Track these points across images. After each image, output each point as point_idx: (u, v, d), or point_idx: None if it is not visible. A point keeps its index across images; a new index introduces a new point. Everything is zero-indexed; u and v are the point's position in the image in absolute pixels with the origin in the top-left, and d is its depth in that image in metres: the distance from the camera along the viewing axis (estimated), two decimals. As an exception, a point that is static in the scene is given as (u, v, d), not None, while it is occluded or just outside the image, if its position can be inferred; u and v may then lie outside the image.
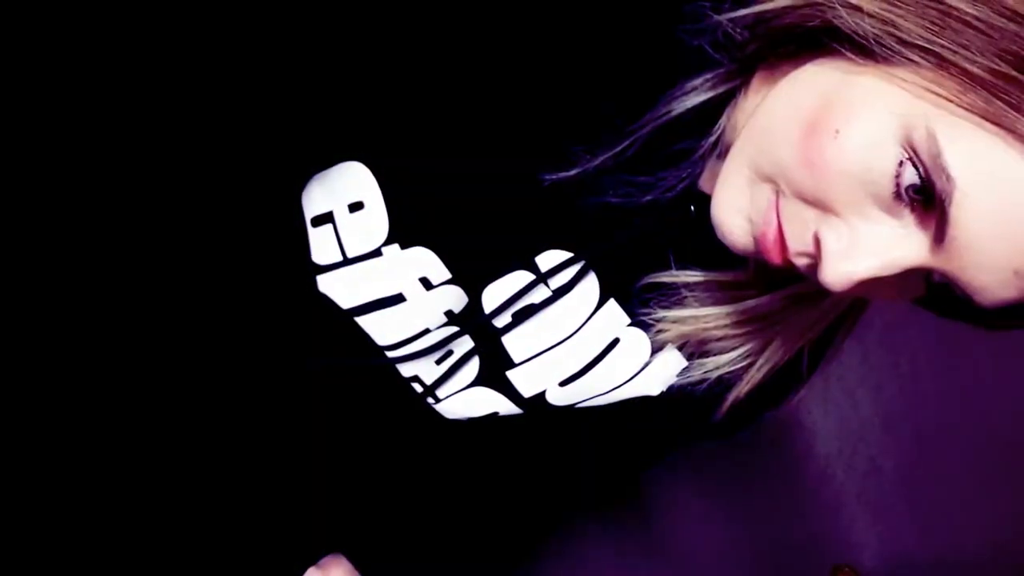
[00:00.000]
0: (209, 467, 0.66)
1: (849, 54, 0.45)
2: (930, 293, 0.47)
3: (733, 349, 0.61)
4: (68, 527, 0.63)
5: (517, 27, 0.51)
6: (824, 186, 0.44)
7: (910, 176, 0.42)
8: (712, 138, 0.53)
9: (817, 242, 0.46)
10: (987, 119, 0.41)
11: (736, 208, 0.49)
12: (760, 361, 0.61)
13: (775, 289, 0.58)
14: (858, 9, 0.44)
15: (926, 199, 0.43)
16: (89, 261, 0.59)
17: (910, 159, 0.42)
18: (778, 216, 0.47)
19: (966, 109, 0.41)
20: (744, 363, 0.61)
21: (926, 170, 0.42)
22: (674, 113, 0.51)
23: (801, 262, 0.48)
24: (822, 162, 0.44)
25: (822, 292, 0.57)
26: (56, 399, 0.61)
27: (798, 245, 0.47)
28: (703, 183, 0.55)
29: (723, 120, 0.53)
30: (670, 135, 0.52)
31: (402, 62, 0.53)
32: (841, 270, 0.45)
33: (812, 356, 0.64)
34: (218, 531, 0.68)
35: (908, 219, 0.44)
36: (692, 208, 0.55)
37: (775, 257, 0.48)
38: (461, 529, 0.75)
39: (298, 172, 0.58)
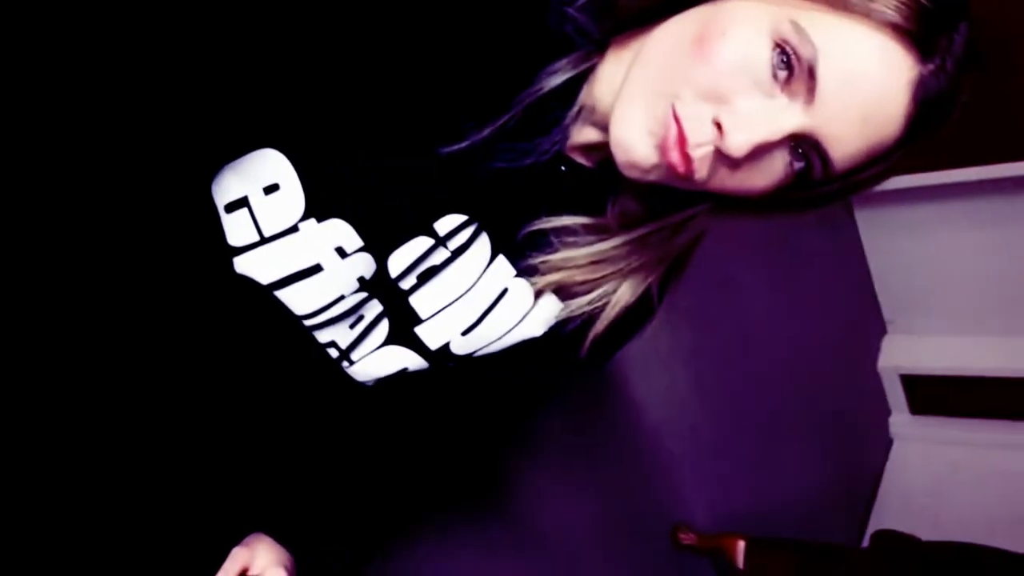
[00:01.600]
0: (138, 449, 0.69)
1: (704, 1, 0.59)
2: (790, 178, 0.60)
3: (594, 290, 0.72)
4: (29, 508, 0.64)
5: (414, 20, 0.60)
6: (718, 77, 0.57)
7: (780, 59, 0.56)
8: (576, 107, 0.64)
9: (716, 126, 0.57)
10: (831, 6, 0.56)
11: (638, 125, 0.59)
12: (614, 300, 0.72)
13: (627, 230, 0.70)
14: None
15: (794, 72, 0.56)
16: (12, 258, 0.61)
17: (779, 44, 0.56)
18: (677, 120, 0.57)
19: (815, 2, 0.57)
20: (602, 303, 0.72)
21: (793, 47, 0.56)
22: (545, 89, 0.62)
23: (700, 152, 0.58)
24: (716, 56, 0.57)
25: (662, 234, 0.70)
26: None
27: (698, 137, 0.58)
28: (570, 146, 0.67)
29: (583, 92, 0.64)
30: (543, 108, 0.63)
31: (305, 53, 0.60)
32: (741, 138, 0.56)
33: (657, 295, 0.77)
34: (152, 510, 0.70)
35: (782, 98, 0.57)
36: (563, 167, 0.66)
37: (677, 157, 0.58)
38: (378, 490, 0.82)
39: (207, 165, 0.63)
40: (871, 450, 3.09)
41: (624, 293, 0.71)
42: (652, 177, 0.62)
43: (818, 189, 0.61)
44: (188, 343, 0.68)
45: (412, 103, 0.61)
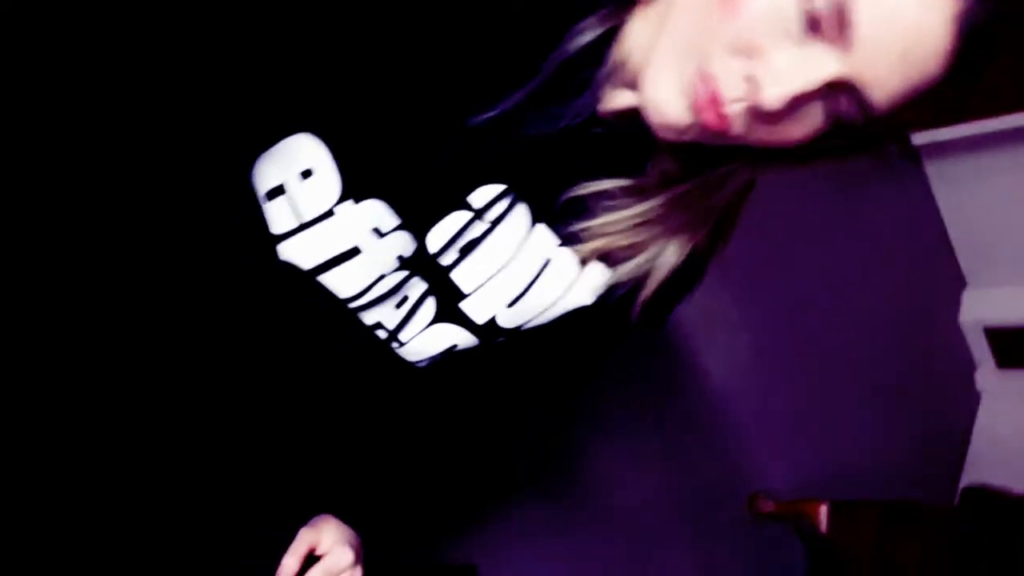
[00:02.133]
0: (192, 436, 0.71)
1: None
2: (829, 125, 0.58)
3: (639, 254, 0.71)
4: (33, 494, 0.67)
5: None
6: (747, 31, 0.55)
7: (810, 4, 0.54)
8: (606, 67, 0.63)
9: (750, 81, 0.55)
10: None
11: (670, 85, 0.58)
12: (660, 262, 0.71)
13: (667, 188, 0.68)
14: None
15: (828, 17, 0.54)
16: (56, 255, 0.63)
17: None
18: (710, 79, 0.56)
19: None
20: (648, 266, 0.71)
21: None
22: (573, 50, 0.61)
23: (735, 109, 0.57)
24: (743, 9, 0.55)
25: (704, 191, 0.68)
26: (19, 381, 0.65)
27: (733, 93, 0.56)
28: (603, 109, 0.65)
29: (613, 50, 0.63)
30: (572, 69, 0.62)
31: (330, 34, 0.60)
32: (775, 92, 0.55)
33: (706, 252, 0.75)
34: (205, 498, 0.72)
35: (817, 46, 0.55)
36: (598, 129, 0.65)
37: (711, 116, 0.57)
38: (432, 468, 0.83)
39: (244, 155, 0.64)
40: (958, 406, 2.99)
41: (670, 255, 0.70)
42: (687, 137, 0.60)
43: (860, 134, 0.59)
44: (239, 333, 0.69)
45: (438, 75, 0.61)
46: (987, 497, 1.99)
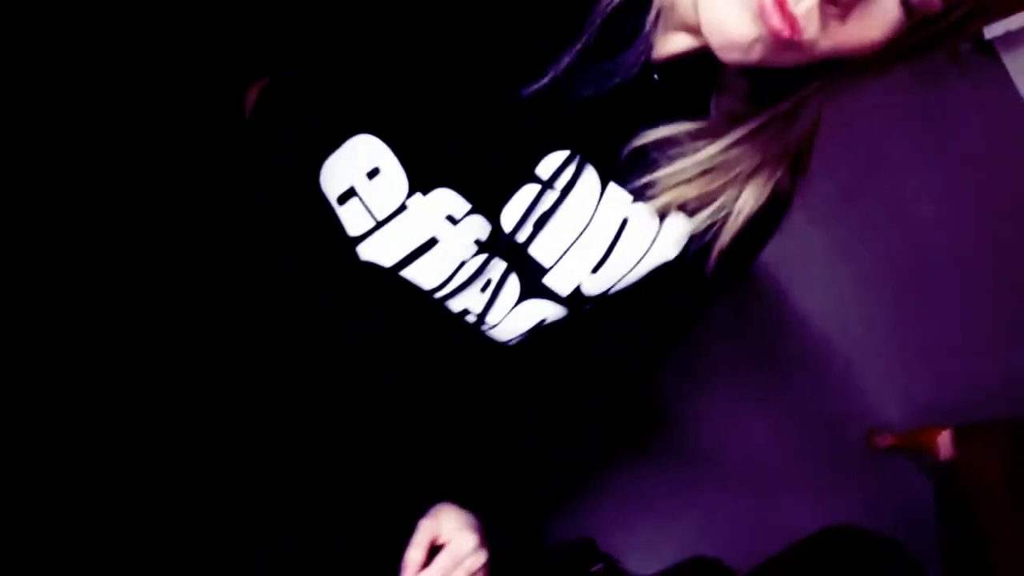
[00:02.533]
0: (284, 422, 0.73)
1: None
2: (905, 17, 0.54)
3: (714, 201, 0.68)
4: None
5: None
6: None
7: None
8: (653, 12, 0.61)
9: None
10: None
11: (729, 3, 0.54)
12: (737, 208, 0.68)
13: (734, 127, 0.65)
14: None
15: None
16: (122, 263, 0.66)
17: None
18: None
19: None
20: (723, 213, 0.68)
21: None
22: (614, 2, 0.59)
23: (804, 7, 0.52)
24: None
25: (775, 126, 0.65)
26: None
27: None
28: (656, 57, 0.64)
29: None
30: (619, 20, 0.60)
31: (374, 29, 0.60)
32: None
33: (785, 194, 0.71)
34: (290, 473, 0.74)
35: None
36: (655, 76, 0.63)
37: (779, 21, 0.52)
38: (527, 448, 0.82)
39: (312, 161, 0.65)
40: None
41: (748, 199, 0.67)
42: (755, 56, 0.56)
43: (935, 25, 0.55)
44: (328, 333, 0.71)
45: (484, 53, 0.60)
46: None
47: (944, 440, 1.96)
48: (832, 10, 0.53)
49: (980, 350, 2.37)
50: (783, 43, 0.54)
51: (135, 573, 0.71)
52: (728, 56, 0.56)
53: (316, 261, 0.68)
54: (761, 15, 0.53)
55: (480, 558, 0.75)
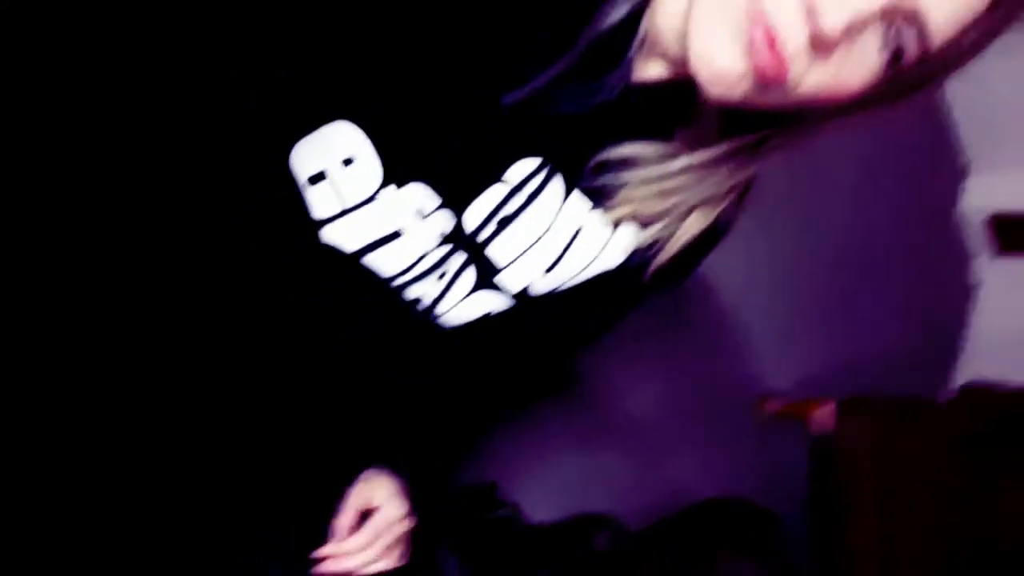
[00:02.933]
0: (240, 411, 0.74)
1: None
2: (885, 65, 0.56)
3: (664, 217, 0.71)
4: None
5: None
6: None
7: None
8: (638, 39, 0.63)
9: (806, 12, 0.53)
10: None
11: (719, 32, 0.55)
12: (681, 231, 0.71)
13: (698, 151, 0.68)
14: None
15: None
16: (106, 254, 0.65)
17: None
18: (763, 16, 0.53)
19: None
20: (670, 231, 0.71)
21: None
22: (605, 26, 0.61)
23: (793, 46, 0.54)
24: None
25: (736, 158, 0.68)
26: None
27: (789, 29, 0.54)
28: (635, 77, 0.65)
29: (644, 23, 0.63)
30: (606, 43, 0.62)
31: (364, 23, 0.60)
32: (834, 16, 0.52)
33: (728, 218, 0.75)
34: (252, 459, 0.76)
35: None
36: (632, 99, 0.65)
37: (767, 57, 0.54)
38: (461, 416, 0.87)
39: (283, 141, 0.64)
40: (955, 298, 3.04)
41: (693, 223, 0.70)
42: (739, 92, 0.58)
43: (912, 73, 0.57)
44: (281, 308, 0.72)
45: (471, 57, 0.60)
46: (986, 392, 2.06)
47: (827, 412, 2.11)
48: (818, 49, 0.55)
49: (868, 327, 2.54)
50: (768, 80, 0.56)
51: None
52: (713, 90, 0.58)
53: (275, 236, 0.68)
54: (751, 50, 0.55)
55: (407, 524, 0.79)
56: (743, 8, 0.54)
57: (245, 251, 0.69)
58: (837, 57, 0.56)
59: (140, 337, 0.71)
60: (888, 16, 0.54)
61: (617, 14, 0.61)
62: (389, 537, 0.78)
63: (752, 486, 2.08)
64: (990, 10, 0.55)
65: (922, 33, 0.55)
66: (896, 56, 0.56)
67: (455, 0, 0.60)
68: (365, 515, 0.79)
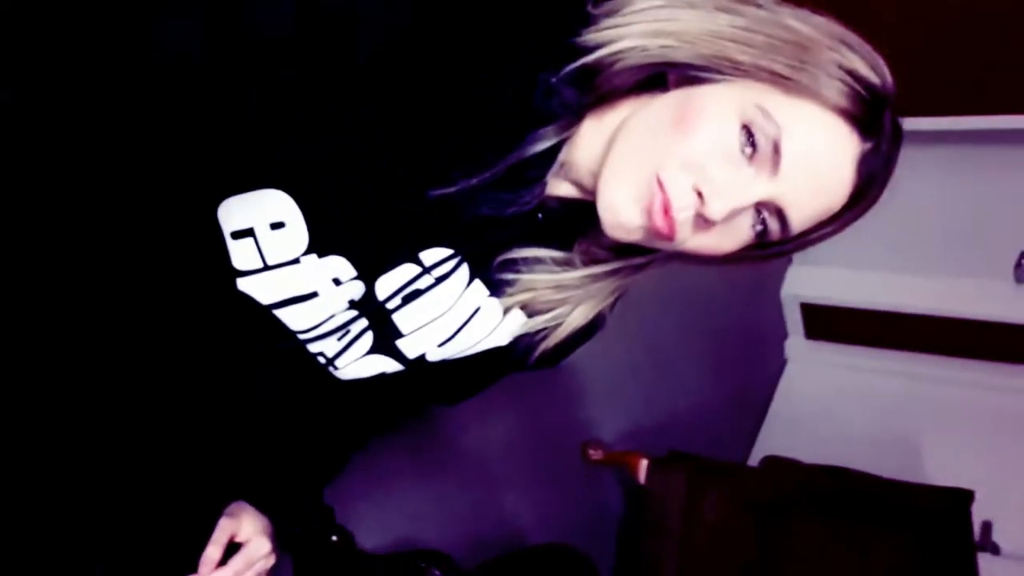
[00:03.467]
0: (143, 430, 0.76)
1: (682, 85, 0.68)
2: (753, 239, 0.70)
3: (552, 310, 0.81)
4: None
5: (417, 82, 0.65)
6: (697, 151, 0.66)
7: (746, 138, 0.66)
8: (555, 167, 0.72)
9: (697, 195, 0.66)
10: (787, 92, 0.66)
11: (625, 193, 0.68)
12: (567, 322, 0.82)
13: (592, 265, 0.79)
14: (691, 43, 0.67)
15: (757, 149, 0.66)
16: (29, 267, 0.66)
17: (745, 126, 0.66)
18: (663, 188, 0.66)
19: (777, 89, 0.66)
20: (556, 322, 0.82)
21: (760, 127, 0.65)
22: (530, 153, 0.69)
23: (683, 216, 0.67)
24: (694, 133, 0.66)
25: (622, 272, 0.79)
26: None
27: (681, 203, 0.66)
28: (547, 195, 0.74)
29: (562, 154, 0.72)
30: (527, 167, 0.70)
31: (313, 106, 0.65)
32: (718, 205, 0.66)
33: (605, 314, 0.86)
34: (148, 489, 0.78)
35: (748, 170, 0.67)
36: (539, 215, 0.74)
37: (662, 221, 0.66)
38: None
39: (215, 196, 0.68)
40: (766, 372, 3.34)
41: (578, 315, 0.81)
42: (634, 238, 0.70)
43: (774, 247, 0.71)
44: (188, 345, 0.75)
45: (408, 155, 0.67)
46: (783, 464, 2.29)
47: (643, 465, 2.27)
48: (702, 223, 0.67)
49: (687, 390, 2.75)
50: (659, 238, 0.68)
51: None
52: (613, 233, 0.70)
53: (193, 278, 0.71)
54: (648, 213, 0.67)
55: (270, 561, 0.83)
56: (648, 177, 0.67)
57: (163, 280, 0.72)
58: (717, 229, 0.69)
59: (36, 347, 0.72)
60: (759, 207, 0.68)
61: (542, 145, 0.70)
62: (253, 573, 0.82)
63: (577, 529, 2.21)
64: (840, 213, 0.70)
65: (783, 222, 0.69)
66: (762, 233, 0.70)
67: (406, 105, 0.66)
68: (229, 548, 0.83)
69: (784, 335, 3.45)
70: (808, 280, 3.32)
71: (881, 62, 0.68)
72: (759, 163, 0.67)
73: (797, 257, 3.36)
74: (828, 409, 3.12)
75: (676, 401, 2.71)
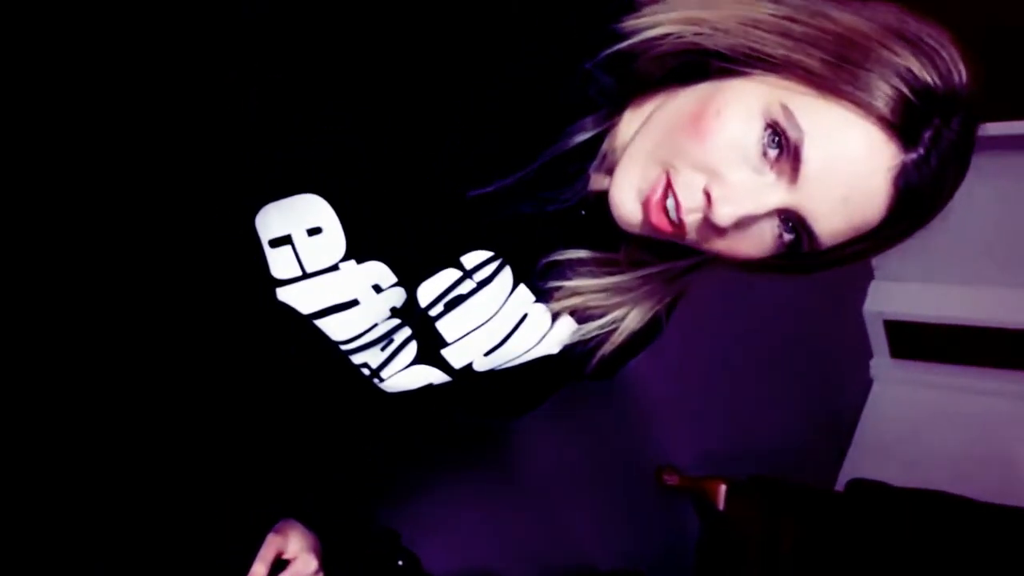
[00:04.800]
0: (185, 449, 0.75)
1: (712, 76, 0.63)
2: (780, 248, 0.65)
3: (605, 315, 0.78)
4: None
5: (452, 79, 0.63)
6: (711, 152, 0.61)
7: (771, 138, 0.61)
8: (597, 161, 0.69)
9: (707, 196, 0.62)
10: (822, 92, 0.60)
11: (630, 185, 0.65)
12: (623, 326, 0.78)
13: (637, 267, 0.75)
14: (724, 31, 0.62)
15: (783, 151, 0.61)
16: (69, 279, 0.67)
17: (770, 125, 0.61)
18: (671, 187, 0.62)
19: (807, 87, 0.60)
20: (611, 327, 0.78)
21: (783, 129, 0.60)
22: (570, 146, 0.67)
23: (691, 218, 0.63)
24: (707, 134, 0.61)
25: (669, 274, 0.75)
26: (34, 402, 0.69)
27: (691, 203, 0.63)
28: (590, 190, 0.71)
29: (604, 146, 0.69)
30: (567, 161, 0.67)
31: (348, 108, 0.64)
32: (727, 211, 0.61)
33: (662, 318, 0.82)
34: (192, 505, 0.78)
35: (770, 175, 0.62)
36: (583, 212, 0.71)
37: (657, 217, 0.63)
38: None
39: (251, 202, 0.67)
40: (851, 393, 3.20)
41: (632, 319, 0.77)
42: (644, 233, 0.67)
43: (808, 259, 0.66)
44: (230, 359, 0.74)
45: (445, 155, 0.65)
46: (870, 488, 2.18)
47: (721, 491, 2.20)
48: (713, 226, 0.63)
49: (768, 413, 2.65)
50: (660, 236, 0.65)
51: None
52: (623, 227, 0.67)
53: (232, 289, 0.71)
54: (644, 207, 0.64)
55: None
56: (657, 173, 0.63)
57: (201, 296, 0.71)
58: (732, 234, 0.64)
59: (81, 361, 0.72)
60: (781, 214, 0.63)
61: (581, 138, 0.67)
62: None
63: (652, 556, 2.14)
64: (880, 229, 0.63)
65: (809, 234, 0.63)
66: (791, 244, 0.64)
67: (437, 102, 0.64)
68: (276, 565, 0.81)
69: (868, 354, 3.30)
70: (891, 296, 3.19)
71: (951, 57, 0.60)
72: (781, 168, 0.61)
73: (879, 272, 3.23)
74: (919, 431, 2.96)
75: (755, 425, 2.62)
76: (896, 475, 2.34)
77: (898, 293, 3.20)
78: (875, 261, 3.22)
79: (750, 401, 2.62)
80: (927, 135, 0.60)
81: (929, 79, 0.59)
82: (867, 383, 3.28)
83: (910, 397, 3.13)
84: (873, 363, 3.31)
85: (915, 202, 0.62)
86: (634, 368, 2.24)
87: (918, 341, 3.19)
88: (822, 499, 2.24)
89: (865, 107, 0.59)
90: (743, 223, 0.63)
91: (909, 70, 0.59)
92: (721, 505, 2.17)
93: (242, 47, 0.63)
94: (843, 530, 2.02)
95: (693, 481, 2.27)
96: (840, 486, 2.72)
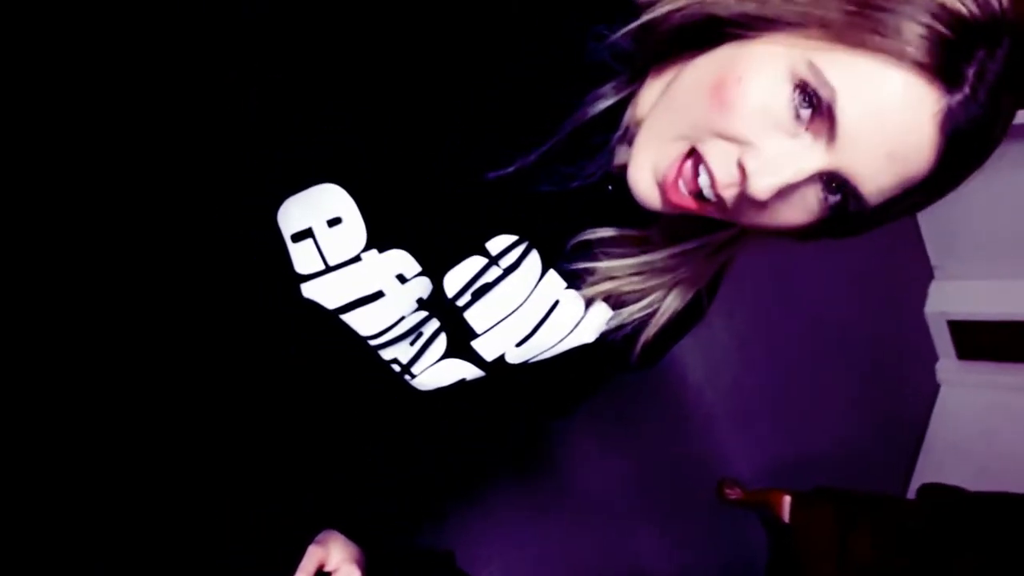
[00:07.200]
0: (210, 453, 0.74)
1: (729, 40, 0.59)
2: (825, 212, 0.60)
3: (643, 298, 0.74)
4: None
5: (461, 56, 0.62)
6: (737, 122, 0.58)
7: (801, 99, 0.56)
8: (620, 131, 0.66)
9: (741, 169, 0.58)
10: (848, 45, 0.55)
11: (647, 162, 0.61)
12: (663, 308, 0.75)
13: (673, 243, 0.72)
14: None
15: (817, 111, 0.56)
16: (90, 277, 0.66)
17: (799, 85, 0.57)
18: (700, 162, 0.59)
19: (831, 42, 0.56)
20: (651, 310, 0.75)
21: (814, 88, 0.56)
22: (588, 116, 0.64)
23: (730, 192, 0.60)
24: (732, 103, 0.57)
25: (708, 249, 0.71)
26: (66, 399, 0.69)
27: (727, 178, 0.59)
28: (616, 165, 0.69)
29: (627, 116, 0.66)
30: (587, 133, 0.65)
31: (361, 94, 0.62)
32: (764, 183, 0.57)
33: (704, 298, 0.78)
34: (219, 512, 0.76)
35: (806, 137, 0.58)
36: (609, 187, 0.68)
37: (675, 195, 0.61)
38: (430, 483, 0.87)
39: (271, 197, 0.66)
40: (918, 398, 3.08)
41: (673, 301, 0.74)
42: (666, 210, 0.64)
43: (857, 220, 0.61)
44: (262, 360, 0.73)
45: (461, 135, 0.63)
46: (944, 494, 2.08)
47: (786, 503, 2.11)
48: (751, 204, 0.59)
49: (831, 421, 2.56)
50: (680, 212, 0.61)
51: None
52: (644, 206, 0.64)
53: (257, 289, 0.69)
54: (661, 188, 0.61)
55: None
56: (678, 150, 0.60)
57: (227, 298, 0.70)
58: (773, 205, 0.60)
59: (110, 366, 0.71)
60: (823, 177, 0.59)
61: (601, 105, 0.64)
62: None
63: (716, 572, 2.07)
64: (932, 179, 0.59)
65: (855, 195, 0.59)
66: (837, 206, 0.60)
67: (452, 83, 0.62)
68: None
69: (934, 357, 3.18)
70: (954, 295, 3.07)
71: None
72: (816, 128, 0.57)
73: (939, 271, 3.12)
74: (991, 433, 2.83)
75: (818, 434, 2.53)
76: (970, 480, 2.23)
77: (961, 292, 3.08)
78: (935, 261, 3.11)
79: (811, 411, 2.53)
80: (970, 72, 0.55)
81: (963, 9, 0.54)
82: (935, 387, 3.15)
83: (980, 399, 3.00)
84: (939, 366, 3.18)
85: (967, 145, 0.57)
86: (690, 379, 2.20)
87: (985, 340, 3.06)
88: (892, 506, 2.14)
89: (896, 54, 0.54)
90: (784, 192, 0.59)
91: (939, 3, 0.54)
92: (786, 517, 2.09)
93: (242, 47, 0.63)
94: (920, 538, 1.92)
95: (756, 494, 2.19)
96: (912, 495, 2.61)
